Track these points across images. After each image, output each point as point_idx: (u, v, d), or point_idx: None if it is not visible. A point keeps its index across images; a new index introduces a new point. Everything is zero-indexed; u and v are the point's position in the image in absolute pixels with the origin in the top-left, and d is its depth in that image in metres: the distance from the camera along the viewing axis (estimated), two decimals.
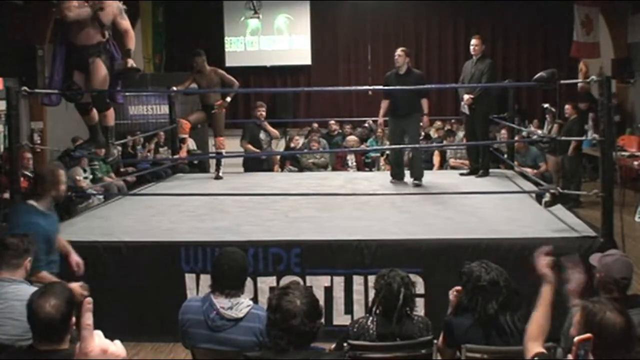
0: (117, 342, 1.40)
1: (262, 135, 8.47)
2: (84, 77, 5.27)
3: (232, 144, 11.46)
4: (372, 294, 3.39)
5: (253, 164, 8.55)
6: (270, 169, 9.03)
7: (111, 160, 5.77)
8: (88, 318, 1.37)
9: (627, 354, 2.11)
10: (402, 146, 6.99)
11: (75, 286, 3.52)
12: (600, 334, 2.09)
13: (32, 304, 2.44)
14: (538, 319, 2.52)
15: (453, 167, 9.55)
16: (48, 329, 2.40)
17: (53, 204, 4.02)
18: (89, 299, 1.40)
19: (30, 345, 2.50)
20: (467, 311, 3.03)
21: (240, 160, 10.53)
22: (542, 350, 2.38)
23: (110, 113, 5.50)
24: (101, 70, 5.20)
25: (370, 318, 3.20)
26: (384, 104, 7.12)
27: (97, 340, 1.36)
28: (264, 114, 8.55)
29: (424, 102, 7.00)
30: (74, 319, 2.49)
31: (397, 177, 7.20)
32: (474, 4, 13.27)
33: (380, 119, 7.39)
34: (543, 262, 2.71)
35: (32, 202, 3.92)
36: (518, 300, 3.00)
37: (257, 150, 8.34)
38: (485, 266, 3.02)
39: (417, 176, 6.97)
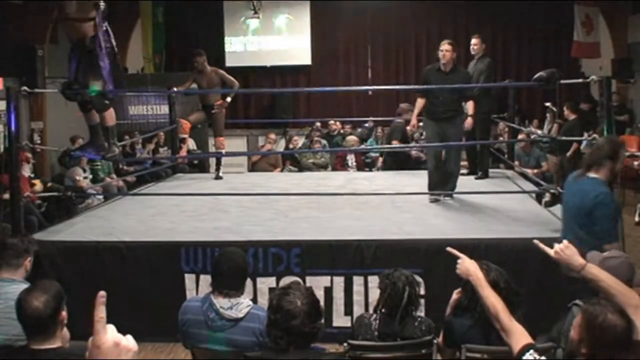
0: (129, 336, 1.40)
1: None
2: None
3: (232, 144, 11.48)
4: (372, 294, 3.40)
5: (398, 162, 8.71)
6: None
7: (110, 157, 5.71)
8: (101, 311, 1.38)
9: (628, 355, 2.11)
10: (401, 146, 6.95)
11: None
12: (602, 336, 2.11)
13: (20, 300, 2.45)
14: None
15: None
16: (37, 325, 2.41)
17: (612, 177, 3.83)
18: (103, 293, 1.40)
19: (24, 344, 2.49)
20: (467, 312, 3.02)
21: (240, 160, 10.57)
22: (531, 341, 2.35)
23: (109, 113, 5.47)
24: (91, 70, 5.18)
25: (374, 316, 3.21)
26: (419, 103, 6.28)
27: (110, 334, 1.37)
28: None
29: (470, 105, 6.24)
30: (64, 313, 2.50)
31: (438, 189, 6.11)
32: (474, 4, 13.25)
33: (414, 120, 6.52)
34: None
35: (592, 174, 3.76)
36: (518, 301, 2.99)
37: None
38: (485, 267, 3.01)
39: (450, 190, 6.07)
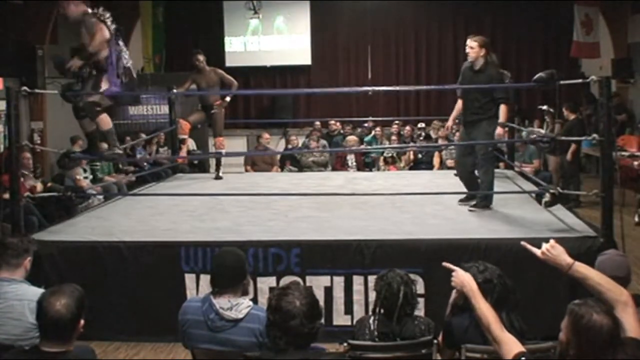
0: None
1: None
2: None
3: (232, 144, 11.48)
4: (372, 294, 3.40)
5: None
6: None
7: (109, 155, 5.68)
8: None
9: (616, 354, 2.12)
10: (399, 146, 6.93)
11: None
12: (588, 336, 2.12)
13: (42, 301, 2.43)
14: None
15: (450, 168, 9.55)
16: (56, 328, 2.39)
17: None
18: None
19: (35, 345, 2.48)
20: (465, 311, 3.02)
21: (240, 160, 10.58)
22: (522, 349, 2.37)
23: (103, 119, 5.43)
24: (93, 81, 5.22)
25: (372, 317, 3.22)
26: (458, 104, 5.89)
27: None
28: None
29: (502, 109, 5.44)
30: (82, 321, 2.49)
31: (465, 198, 5.87)
32: (474, 4, 13.27)
33: (449, 122, 6.10)
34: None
35: None
36: (516, 299, 2.99)
37: None
38: (478, 266, 3.02)
39: (480, 200, 5.67)
